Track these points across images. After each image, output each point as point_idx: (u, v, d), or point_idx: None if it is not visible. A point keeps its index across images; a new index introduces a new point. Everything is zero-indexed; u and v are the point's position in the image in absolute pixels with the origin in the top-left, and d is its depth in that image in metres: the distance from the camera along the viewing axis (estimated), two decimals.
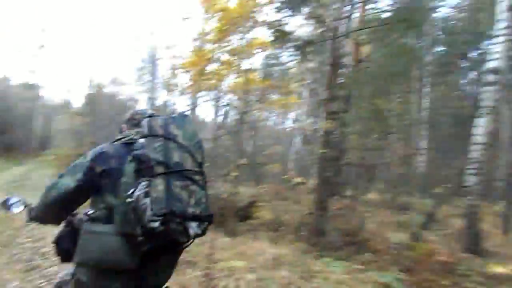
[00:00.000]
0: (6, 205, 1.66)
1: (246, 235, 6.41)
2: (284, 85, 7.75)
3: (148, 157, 1.29)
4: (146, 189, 1.23)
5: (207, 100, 7.93)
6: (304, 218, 6.69)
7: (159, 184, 1.26)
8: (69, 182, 1.43)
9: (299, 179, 8.26)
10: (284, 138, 19.84)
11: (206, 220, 1.34)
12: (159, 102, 14.79)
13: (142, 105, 23.55)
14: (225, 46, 6.65)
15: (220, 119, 15.09)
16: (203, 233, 1.34)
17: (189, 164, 1.36)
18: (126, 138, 1.53)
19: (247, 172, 8.68)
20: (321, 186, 6.49)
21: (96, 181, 1.42)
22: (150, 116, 1.48)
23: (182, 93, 6.85)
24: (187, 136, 1.41)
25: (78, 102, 26.46)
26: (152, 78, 18.09)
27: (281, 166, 7.67)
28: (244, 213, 7.28)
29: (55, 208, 1.50)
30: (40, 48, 23.32)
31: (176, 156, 1.34)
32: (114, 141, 1.57)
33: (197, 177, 1.36)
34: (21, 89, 24.72)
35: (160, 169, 1.28)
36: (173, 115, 1.48)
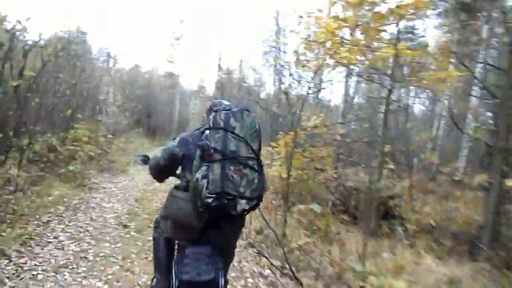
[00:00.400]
0: (141, 159, 2.35)
1: (392, 238, 5.34)
2: (446, 54, 6.12)
3: (208, 146, 1.64)
4: (205, 173, 1.61)
5: (345, 77, 6.92)
6: (470, 224, 5.26)
7: (216, 168, 1.61)
8: (161, 159, 1.95)
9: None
10: (424, 121, 17.41)
11: (254, 199, 1.65)
12: (286, 84, 14.27)
13: (269, 88, 23.73)
14: (368, 10, 5.50)
15: (354, 99, 13.82)
16: (252, 208, 1.67)
17: (243, 152, 1.66)
18: (202, 128, 1.87)
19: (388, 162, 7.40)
20: (497, 184, 4.91)
21: (179, 161, 1.87)
22: (216, 111, 1.75)
23: (315, 69, 5.96)
24: (244, 127, 1.70)
25: (210, 87, 28.09)
26: (278, 60, 17.67)
27: (432, 156, 6.24)
28: (386, 210, 6.16)
29: (155, 173, 2.07)
30: (177, 39, 25.31)
31: (232, 145, 1.65)
32: (196, 129, 1.96)
33: (250, 162, 1.66)
34: (162, 78, 27.45)
35: (217, 156, 1.63)
36: (234, 110, 1.74)
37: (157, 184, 8.05)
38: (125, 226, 4.56)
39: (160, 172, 2.03)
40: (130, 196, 6.37)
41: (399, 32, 5.83)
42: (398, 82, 5.95)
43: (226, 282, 1.86)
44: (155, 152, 2.07)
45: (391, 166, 4.98)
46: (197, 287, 1.66)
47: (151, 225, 4.78)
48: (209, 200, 1.57)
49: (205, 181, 1.59)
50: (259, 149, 1.75)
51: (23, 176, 5.79)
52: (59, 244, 3.69)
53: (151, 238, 4.39)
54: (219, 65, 23.58)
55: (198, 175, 1.62)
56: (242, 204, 1.61)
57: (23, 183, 5.48)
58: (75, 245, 3.73)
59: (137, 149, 13.73)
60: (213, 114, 1.75)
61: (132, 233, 4.36)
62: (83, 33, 16.68)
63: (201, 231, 1.74)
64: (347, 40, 5.64)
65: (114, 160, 9.60)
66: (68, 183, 6.25)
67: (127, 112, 15.38)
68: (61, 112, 8.53)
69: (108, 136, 10.12)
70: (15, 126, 6.91)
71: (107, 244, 3.89)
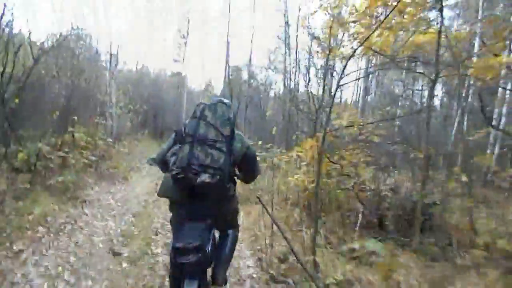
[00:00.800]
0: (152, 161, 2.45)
1: (441, 259, 4.38)
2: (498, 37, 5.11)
3: (182, 131, 2.08)
4: (175, 151, 2.05)
5: (374, 68, 5.78)
6: None
7: (186, 148, 1.97)
8: (164, 147, 2.27)
9: None
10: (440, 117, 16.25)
11: (217, 175, 1.94)
12: (297, 81, 13.11)
13: (278, 86, 22.75)
14: None
15: (369, 95, 12.75)
16: (216, 183, 1.95)
17: (211, 135, 1.99)
18: None
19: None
20: None
21: None
22: (198, 104, 2.16)
23: (347, 58, 5.02)
24: (216, 116, 2.05)
25: (218, 86, 27.23)
26: (287, 55, 16.65)
27: (487, 159, 5.26)
28: (430, 225, 5.20)
29: (159, 162, 2.30)
30: (183, 38, 24.51)
31: (202, 130, 2.00)
32: None
33: (218, 145, 1.98)
34: (169, 78, 26.71)
35: (189, 139, 2.00)
36: (210, 103, 2.15)
37: None
38: (117, 254, 3.70)
39: (166, 159, 2.18)
40: (128, 211, 5.52)
41: (441, 9, 4.87)
42: (438, 74, 4.97)
43: (230, 248, 2.40)
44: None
45: (463, 178, 4.01)
46: (186, 251, 1.89)
47: (149, 251, 3.96)
48: (174, 172, 1.95)
49: (174, 157, 2.01)
50: (232, 134, 2.06)
51: (5, 189, 5.02)
52: (26, 286, 2.84)
53: (147, 272, 3.58)
54: (227, 63, 22.60)
55: (169, 153, 2.08)
56: (204, 177, 1.92)
57: (1, 198, 4.69)
58: (47, 286, 2.88)
59: (143, 153, 12.95)
60: (195, 107, 2.14)
61: (124, 264, 3.47)
62: (83, 32, 15.85)
63: (191, 207, 2.08)
64: (380, 21, 4.71)
65: (115, 166, 8.78)
66: (58, 196, 5.43)
67: (131, 114, 14.61)
68: (56, 114, 7.76)
69: (108, 139, 9.28)
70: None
71: (89, 283, 3.03)
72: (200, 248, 1.91)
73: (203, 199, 2.05)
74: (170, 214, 2.32)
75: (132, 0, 33.80)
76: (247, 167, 2.32)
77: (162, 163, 2.25)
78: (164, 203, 6.16)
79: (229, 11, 17.67)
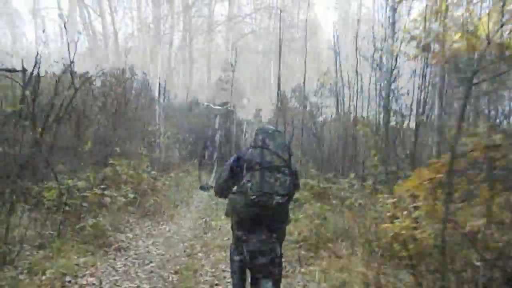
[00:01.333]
0: (205, 188, 2.94)
1: None
2: None
3: (250, 159, 2.28)
4: (249, 178, 2.24)
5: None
6: None
7: (257, 175, 2.23)
8: (224, 174, 2.51)
9: None
10: None
11: (286, 195, 2.26)
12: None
13: (327, 111, 21.30)
14: None
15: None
16: (286, 202, 2.32)
17: (276, 162, 2.26)
18: (250, 147, 2.46)
19: None
20: None
21: (236, 173, 2.42)
22: (256, 133, 2.45)
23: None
24: (276, 144, 2.33)
25: (267, 112, 26.46)
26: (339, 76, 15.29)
27: None
28: None
29: (219, 188, 2.59)
30: (231, 67, 24.25)
31: (268, 158, 2.26)
32: (247, 149, 2.48)
33: (282, 169, 2.26)
34: (218, 107, 26.39)
35: (257, 166, 2.24)
36: (269, 132, 2.42)
37: (210, 235, 6.13)
38: None
39: (226, 182, 2.51)
40: (170, 261, 4.42)
41: None
42: None
43: (281, 253, 2.51)
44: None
45: None
46: (261, 253, 2.32)
47: None
48: (253, 197, 2.22)
49: (249, 184, 2.23)
50: (289, 158, 2.35)
51: (25, 236, 4.14)
52: None
53: None
54: (278, 87, 21.79)
55: (245, 180, 2.27)
56: (277, 199, 2.23)
57: (18, 249, 3.80)
58: None
59: (192, 184, 12.03)
60: (255, 137, 2.45)
61: None
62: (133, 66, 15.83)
63: (257, 222, 2.34)
64: None
65: (161, 201, 7.88)
66: (88, 244, 4.50)
67: (179, 144, 13.99)
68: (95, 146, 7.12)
69: (153, 172, 8.45)
70: (32, 166, 5.50)
71: None
72: (271, 250, 2.35)
73: (268, 215, 2.33)
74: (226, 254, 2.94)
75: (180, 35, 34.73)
76: (296, 183, 2.52)
77: (225, 188, 2.54)
78: (213, 249, 5.04)
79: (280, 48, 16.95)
